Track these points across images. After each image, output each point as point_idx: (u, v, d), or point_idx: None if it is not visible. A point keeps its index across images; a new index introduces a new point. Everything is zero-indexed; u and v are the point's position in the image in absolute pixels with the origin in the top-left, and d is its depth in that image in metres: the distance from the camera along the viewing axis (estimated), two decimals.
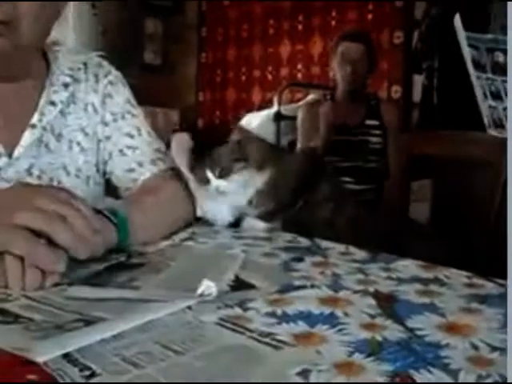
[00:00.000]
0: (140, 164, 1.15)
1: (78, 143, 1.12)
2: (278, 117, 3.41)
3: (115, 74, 1.22)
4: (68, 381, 0.42)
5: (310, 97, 3.44)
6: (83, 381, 0.42)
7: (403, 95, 3.88)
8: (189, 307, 0.58)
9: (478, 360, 0.48)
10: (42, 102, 1.07)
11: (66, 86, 1.10)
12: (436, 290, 0.68)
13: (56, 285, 0.65)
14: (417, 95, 3.63)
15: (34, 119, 1.05)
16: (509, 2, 0.56)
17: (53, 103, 1.08)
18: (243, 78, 5.13)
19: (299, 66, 4.63)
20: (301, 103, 3.38)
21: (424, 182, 2.64)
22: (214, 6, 5.28)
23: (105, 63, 1.21)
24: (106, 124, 1.17)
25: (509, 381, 0.44)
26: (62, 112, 1.10)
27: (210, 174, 1.05)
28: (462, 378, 0.45)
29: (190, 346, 0.49)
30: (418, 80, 3.55)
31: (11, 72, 1.03)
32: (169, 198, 1.07)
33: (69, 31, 4.35)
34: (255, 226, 1.08)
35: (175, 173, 1.14)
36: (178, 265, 0.77)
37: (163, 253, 0.84)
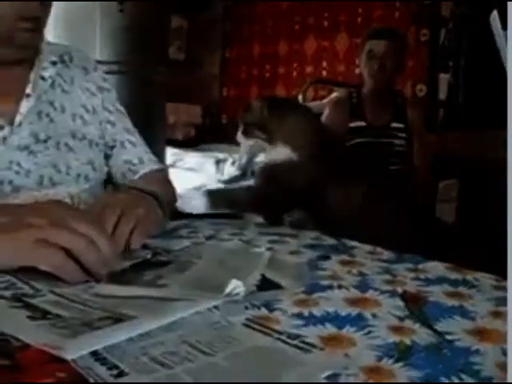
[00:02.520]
0: (140, 160, 1.26)
1: (81, 116, 1.20)
2: None
3: (102, 69, 1.32)
4: (96, 379, 0.42)
5: (334, 94, 3.41)
6: (111, 379, 0.42)
7: (428, 94, 3.83)
8: (216, 307, 0.58)
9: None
10: (33, 76, 1.14)
11: (53, 63, 1.19)
12: (465, 292, 0.67)
13: (84, 282, 0.66)
14: (442, 94, 3.59)
15: (28, 89, 1.13)
16: (509, 2, 0.54)
17: (43, 78, 1.16)
18: (267, 75, 5.12)
19: (324, 64, 4.61)
20: (325, 100, 3.35)
21: (450, 181, 2.61)
22: (239, 2, 5.27)
23: (90, 57, 1.32)
24: (109, 111, 1.26)
25: (509, 381, 0.43)
26: (62, 90, 1.19)
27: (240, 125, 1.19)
28: None
29: (217, 346, 0.48)
30: (444, 78, 3.51)
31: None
32: (166, 189, 1.19)
33: (96, 26, 4.36)
34: (254, 219, 1.13)
35: (166, 172, 1.33)
36: (203, 263, 0.76)
37: (189, 250, 0.84)
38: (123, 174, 1.25)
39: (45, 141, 1.12)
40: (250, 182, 1.21)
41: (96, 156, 1.21)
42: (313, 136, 1.17)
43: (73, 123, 1.18)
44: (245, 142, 1.21)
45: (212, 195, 1.18)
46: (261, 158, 1.20)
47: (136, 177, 1.24)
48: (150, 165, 1.27)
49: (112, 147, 1.25)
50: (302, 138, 1.15)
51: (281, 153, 1.13)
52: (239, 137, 1.21)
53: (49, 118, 1.15)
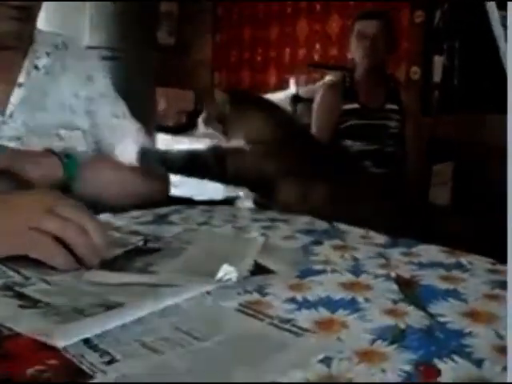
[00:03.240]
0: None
1: (72, 107, 1.21)
2: (295, 99, 3.38)
3: (95, 60, 1.34)
4: (88, 366, 0.43)
5: (328, 78, 3.40)
6: (103, 366, 0.43)
7: (423, 76, 3.82)
8: (208, 292, 0.58)
9: (503, 349, 0.47)
10: (27, 65, 1.16)
11: (48, 54, 1.20)
12: (459, 275, 0.68)
13: (74, 269, 0.66)
14: (437, 76, 3.58)
15: (21, 79, 1.14)
16: (509, 2, 0.54)
17: (36, 67, 1.17)
18: (259, 59, 5.10)
19: (317, 47, 4.59)
20: (318, 84, 3.34)
21: (445, 164, 2.60)
22: None
23: (82, 45, 1.37)
24: (91, 100, 1.26)
25: (509, 381, 0.43)
26: (53, 78, 1.19)
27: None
28: (486, 367, 0.44)
29: (210, 332, 0.49)
30: (439, 61, 3.50)
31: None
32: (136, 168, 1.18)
33: (86, 12, 4.32)
34: (245, 205, 1.16)
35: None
36: (195, 249, 0.77)
37: (180, 237, 0.84)
38: None
39: (36, 131, 1.13)
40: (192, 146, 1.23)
41: (89, 146, 1.22)
42: (273, 133, 1.18)
43: (64, 114, 1.19)
44: (203, 129, 1.24)
45: (145, 155, 1.17)
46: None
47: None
48: (133, 146, 1.25)
49: (100, 140, 1.26)
50: (260, 134, 1.17)
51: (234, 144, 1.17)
52: (199, 123, 1.25)
53: (40, 108, 1.15)
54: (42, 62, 1.19)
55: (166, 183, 1.28)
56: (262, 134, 1.17)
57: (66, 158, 1.04)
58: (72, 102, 1.21)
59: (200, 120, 1.23)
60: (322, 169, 1.19)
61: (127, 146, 1.25)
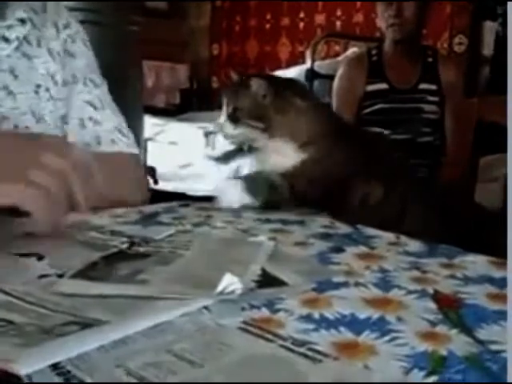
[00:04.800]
0: (98, 141, 1.21)
1: (47, 89, 1.17)
2: (311, 75, 3.38)
3: (76, 29, 1.26)
4: None
5: (351, 51, 3.40)
6: None
7: (469, 48, 3.81)
8: (206, 308, 0.58)
9: None
10: None
11: (22, 21, 1.14)
12: None
13: (42, 276, 0.65)
14: (487, 48, 3.55)
15: None
16: (509, 2, 0.54)
17: (7, 40, 1.12)
18: (268, 27, 5.10)
19: (338, 12, 4.59)
20: (340, 58, 3.34)
21: (495, 156, 2.58)
22: None
23: (63, 10, 1.26)
24: (64, 84, 1.21)
25: (509, 381, 0.44)
26: (24, 54, 1.14)
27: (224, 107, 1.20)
28: None
29: (207, 355, 0.48)
30: (491, 28, 3.47)
31: None
32: (116, 173, 1.12)
33: None
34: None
35: (134, 157, 1.26)
36: (191, 255, 0.77)
37: (173, 240, 0.84)
38: None
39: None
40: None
41: None
42: (323, 129, 1.17)
43: (36, 97, 1.15)
44: (230, 129, 1.21)
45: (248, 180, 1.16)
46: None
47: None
48: (109, 148, 1.22)
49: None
50: (311, 132, 1.15)
51: (287, 153, 1.14)
52: (223, 123, 1.21)
53: (7, 90, 1.12)
54: (14, 32, 1.13)
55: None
56: (314, 131, 1.16)
57: None
58: (48, 84, 1.17)
59: (223, 119, 1.21)
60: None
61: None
